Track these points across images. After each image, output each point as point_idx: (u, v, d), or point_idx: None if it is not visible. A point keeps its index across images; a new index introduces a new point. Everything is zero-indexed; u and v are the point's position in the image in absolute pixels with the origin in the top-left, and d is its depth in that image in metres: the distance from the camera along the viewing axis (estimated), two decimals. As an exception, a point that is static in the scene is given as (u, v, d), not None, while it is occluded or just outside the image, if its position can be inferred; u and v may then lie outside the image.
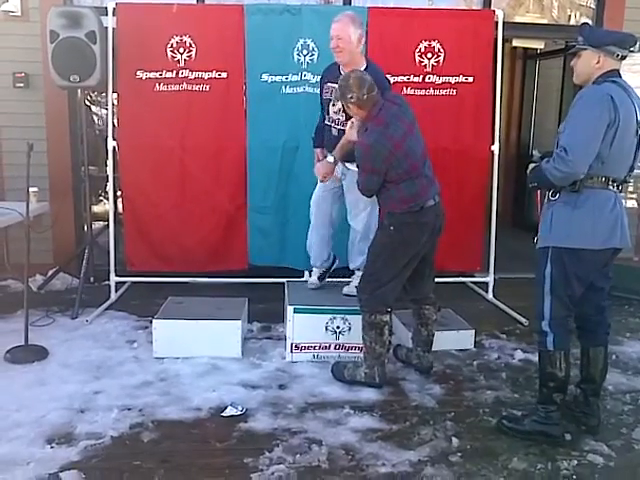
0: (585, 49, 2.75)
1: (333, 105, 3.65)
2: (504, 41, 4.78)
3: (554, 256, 2.77)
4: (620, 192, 2.78)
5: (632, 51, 2.77)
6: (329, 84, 3.67)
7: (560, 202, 2.76)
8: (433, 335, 3.53)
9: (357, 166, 3.26)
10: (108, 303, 4.50)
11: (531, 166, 2.89)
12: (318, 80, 3.97)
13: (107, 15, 4.41)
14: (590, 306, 2.95)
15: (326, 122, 3.72)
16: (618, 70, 2.75)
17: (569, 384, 2.91)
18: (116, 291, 4.66)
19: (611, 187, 2.71)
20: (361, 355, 3.44)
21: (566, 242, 2.72)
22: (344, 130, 3.49)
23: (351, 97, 3.15)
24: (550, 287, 2.79)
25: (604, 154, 2.63)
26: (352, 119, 3.37)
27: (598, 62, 2.72)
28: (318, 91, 3.89)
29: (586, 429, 2.95)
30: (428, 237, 3.25)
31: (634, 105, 2.67)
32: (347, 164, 3.61)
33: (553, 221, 2.77)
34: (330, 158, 3.55)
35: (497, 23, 4.60)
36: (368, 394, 3.25)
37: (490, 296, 4.84)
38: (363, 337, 3.34)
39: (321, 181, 3.66)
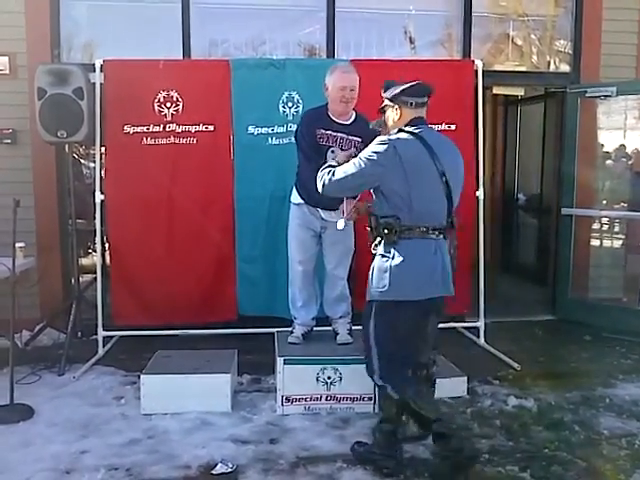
0: (387, 105, 2.91)
1: (332, 152, 3.60)
2: (485, 89, 4.89)
3: (376, 310, 2.81)
4: (444, 238, 2.83)
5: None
6: (323, 131, 3.64)
7: (379, 255, 2.82)
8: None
9: None
10: (95, 358, 4.44)
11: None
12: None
13: (95, 72, 4.48)
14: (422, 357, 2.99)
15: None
16: (422, 117, 2.86)
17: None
18: (104, 346, 4.59)
19: (432, 235, 2.76)
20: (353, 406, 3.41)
21: (385, 295, 2.76)
22: None
23: None
24: (375, 341, 2.83)
25: (404, 204, 2.72)
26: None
27: (397, 114, 2.87)
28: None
29: (387, 472, 2.89)
30: None
31: (431, 152, 2.74)
32: (324, 213, 3.62)
33: (374, 275, 2.83)
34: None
35: (477, 72, 4.72)
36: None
37: (482, 341, 4.81)
38: None
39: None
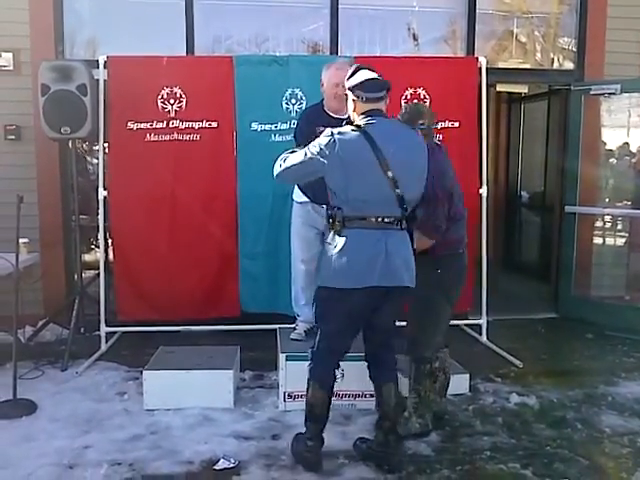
0: (347, 93, 2.94)
1: None
2: (488, 86, 4.88)
3: (319, 294, 2.89)
4: (403, 228, 2.81)
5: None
6: (322, 128, 3.64)
7: (327, 242, 2.88)
8: (450, 379, 3.47)
9: (430, 200, 3.05)
10: (98, 354, 4.45)
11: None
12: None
13: (98, 68, 4.49)
14: (374, 344, 3.01)
15: None
16: (377, 110, 2.84)
17: (326, 420, 2.95)
18: (106, 341, 4.60)
19: (381, 225, 2.76)
20: (355, 402, 3.43)
21: (326, 282, 2.82)
22: None
23: (422, 123, 3.19)
24: (318, 322, 2.94)
25: (343, 195, 2.76)
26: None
27: (353, 105, 2.89)
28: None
29: (388, 468, 2.91)
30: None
31: (372, 145, 2.73)
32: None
33: (321, 262, 2.90)
34: None
35: (481, 69, 4.71)
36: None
37: (484, 338, 4.81)
38: (415, 388, 3.30)
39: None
